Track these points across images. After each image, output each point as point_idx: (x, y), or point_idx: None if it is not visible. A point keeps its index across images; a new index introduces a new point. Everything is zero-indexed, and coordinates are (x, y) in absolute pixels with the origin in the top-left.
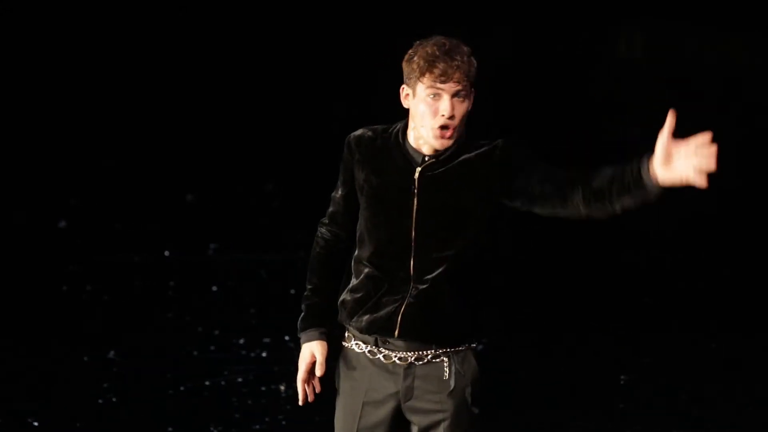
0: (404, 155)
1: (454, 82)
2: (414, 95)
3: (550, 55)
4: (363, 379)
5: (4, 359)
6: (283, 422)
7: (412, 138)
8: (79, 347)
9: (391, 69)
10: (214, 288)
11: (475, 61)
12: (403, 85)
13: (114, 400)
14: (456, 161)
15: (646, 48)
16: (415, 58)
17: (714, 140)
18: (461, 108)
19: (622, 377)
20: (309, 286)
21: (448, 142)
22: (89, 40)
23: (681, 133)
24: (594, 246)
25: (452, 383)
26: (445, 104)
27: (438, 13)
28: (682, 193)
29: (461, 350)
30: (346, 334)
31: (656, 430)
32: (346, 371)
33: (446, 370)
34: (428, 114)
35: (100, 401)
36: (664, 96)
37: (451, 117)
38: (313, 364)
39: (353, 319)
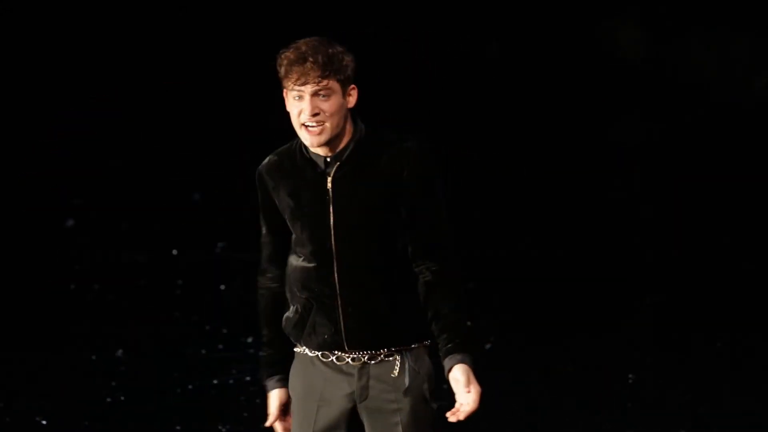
0: (309, 164)
1: (312, 82)
2: (286, 100)
3: (549, 55)
4: (317, 381)
5: (11, 358)
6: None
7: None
8: (87, 346)
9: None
10: (222, 287)
11: (346, 58)
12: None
13: (122, 398)
14: (364, 163)
15: (649, 48)
16: (278, 65)
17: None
18: (326, 105)
19: (630, 376)
20: (263, 339)
21: (317, 138)
22: (94, 39)
23: (688, 135)
24: (602, 243)
25: (407, 381)
26: (305, 104)
27: (431, 10)
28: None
29: (414, 348)
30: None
31: (664, 430)
32: (300, 374)
33: (398, 367)
34: (294, 115)
35: (108, 400)
36: (668, 97)
37: (315, 114)
38: (280, 408)
39: (302, 342)
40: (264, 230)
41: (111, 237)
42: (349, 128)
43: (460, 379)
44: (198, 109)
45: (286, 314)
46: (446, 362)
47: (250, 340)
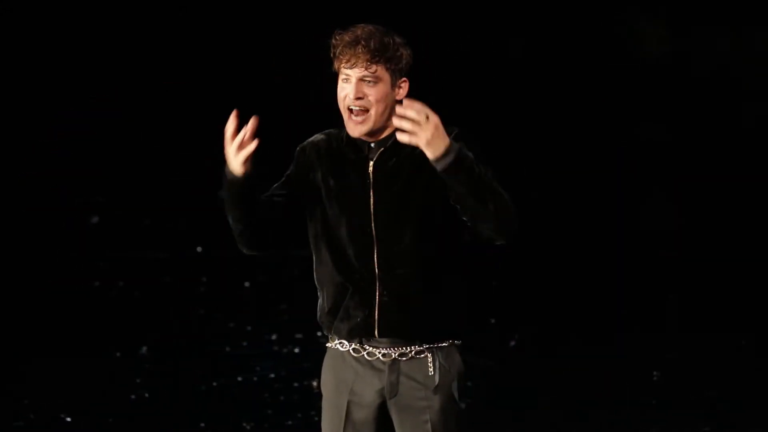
0: (354, 148)
1: (361, 66)
2: (338, 84)
3: (573, 54)
4: (347, 377)
5: (35, 355)
6: (316, 418)
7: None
8: (111, 343)
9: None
10: (246, 284)
11: (402, 50)
12: None
13: (146, 395)
14: (407, 151)
15: (673, 46)
16: (332, 46)
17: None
18: (372, 92)
19: (654, 373)
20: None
21: (359, 128)
22: (115, 38)
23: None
24: (623, 240)
25: (437, 378)
26: (350, 87)
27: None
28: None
29: (444, 346)
30: (329, 336)
31: (688, 427)
32: (331, 370)
33: (431, 365)
34: (340, 98)
35: (132, 397)
36: (692, 95)
37: (359, 98)
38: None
39: (332, 330)
40: (278, 189)
41: (135, 234)
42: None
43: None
44: (224, 107)
45: (319, 303)
46: None
47: (274, 337)
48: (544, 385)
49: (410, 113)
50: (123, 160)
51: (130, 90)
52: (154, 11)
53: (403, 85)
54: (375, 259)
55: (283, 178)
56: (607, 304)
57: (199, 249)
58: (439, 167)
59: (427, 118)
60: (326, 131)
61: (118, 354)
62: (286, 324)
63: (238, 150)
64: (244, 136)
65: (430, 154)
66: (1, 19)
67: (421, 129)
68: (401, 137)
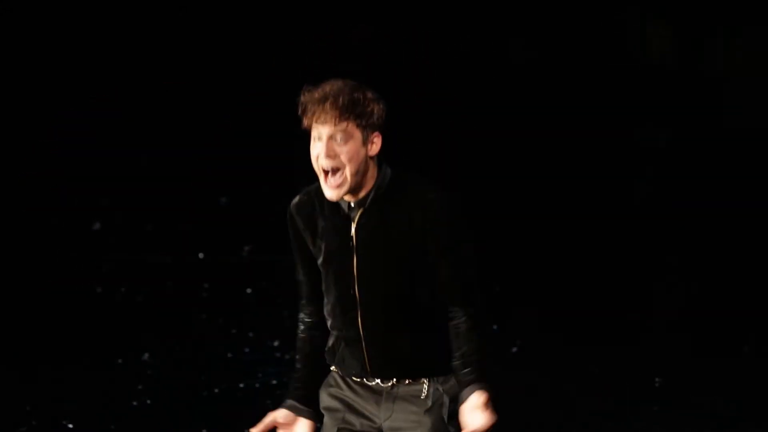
0: (335, 209)
1: (330, 124)
2: (310, 143)
3: (577, 57)
4: (347, 394)
5: (37, 361)
6: (318, 424)
7: None
8: (113, 349)
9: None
10: (249, 290)
11: (373, 105)
12: None
13: (148, 402)
14: (387, 210)
15: (676, 49)
16: (299, 102)
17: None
18: (344, 150)
19: (656, 379)
20: (295, 372)
21: (336, 191)
22: (115, 38)
23: (713, 135)
24: (626, 245)
25: (430, 402)
26: (321, 145)
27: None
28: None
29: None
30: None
31: None
32: (331, 388)
33: (425, 390)
34: (313, 158)
35: (134, 403)
36: (696, 98)
37: (329, 157)
38: (272, 423)
39: (333, 365)
40: (298, 267)
41: (137, 240)
42: (372, 174)
43: (479, 400)
44: (225, 113)
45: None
46: (466, 390)
47: (276, 343)
48: (544, 392)
49: None
50: (125, 164)
51: (125, 95)
52: (154, 11)
53: (375, 140)
54: (359, 318)
55: (294, 253)
56: (609, 310)
57: (201, 255)
58: None
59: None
60: (306, 190)
61: (120, 360)
62: (288, 330)
63: None
64: None
65: None
66: (1, 19)
67: None
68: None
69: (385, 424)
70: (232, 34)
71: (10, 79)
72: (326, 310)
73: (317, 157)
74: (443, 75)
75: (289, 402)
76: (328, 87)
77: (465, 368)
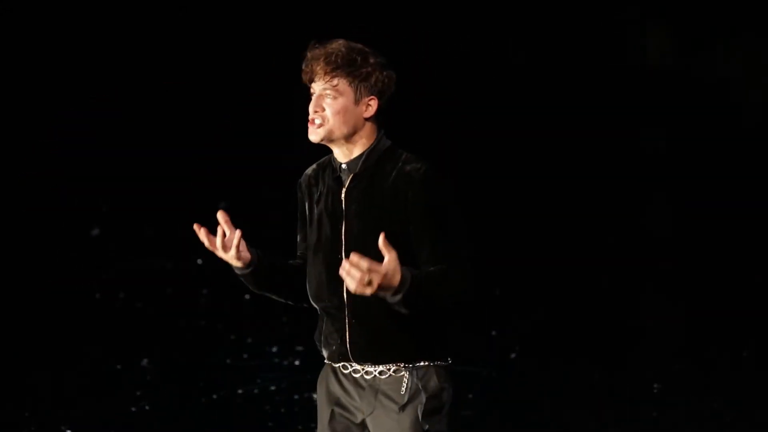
0: (333, 174)
1: (321, 80)
2: None
3: (577, 59)
4: (336, 389)
5: (36, 367)
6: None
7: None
8: (112, 355)
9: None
10: (247, 296)
11: (373, 69)
12: None
13: (147, 408)
14: (375, 178)
15: (677, 53)
16: (303, 59)
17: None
18: (330, 105)
19: (655, 386)
20: None
21: (314, 133)
22: (115, 38)
23: (715, 139)
24: (623, 251)
25: (406, 398)
26: (313, 98)
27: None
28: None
29: (422, 366)
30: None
31: None
32: (324, 381)
33: (404, 384)
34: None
35: (133, 409)
36: (696, 103)
37: (315, 109)
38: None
39: (321, 350)
40: (299, 237)
41: (136, 245)
42: (366, 137)
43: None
44: (225, 117)
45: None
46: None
47: (275, 349)
48: (543, 398)
49: (354, 273)
50: (124, 168)
51: (132, 97)
52: (154, 11)
53: (371, 103)
54: (345, 288)
55: (298, 217)
56: (608, 316)
57: (199, 261)
58: (390, 301)
59: (370, 283)
60: (320, 161)
61: (118, 366)
62: (287, 336)
63: (225, 251)
64: (224, 235)
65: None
66: (1, 19)
67: (364, 288)
68: (348, 284)
69: (368, 419)
70: (232, 34)
71: (10, 79)
72: (309, 285)
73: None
74: (443, 75)
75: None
76: (329, 45)
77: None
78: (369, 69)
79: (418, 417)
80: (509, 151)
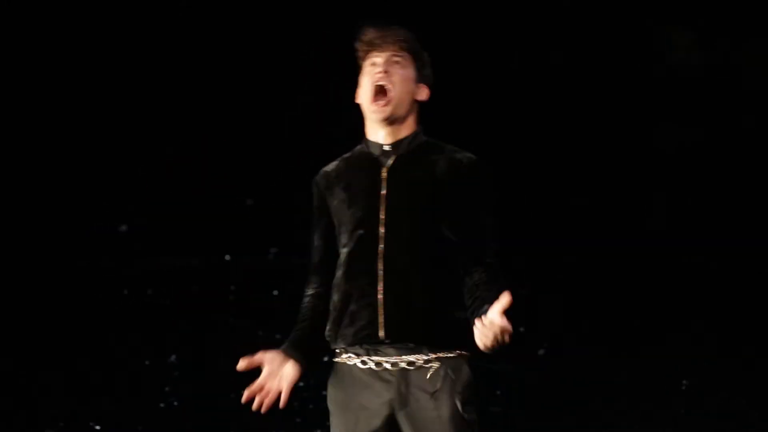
0: (367, 154)
1: (390, 50)
2: (361, 79)
3: (601, 58)
4: (356, 391)
5: (65, 363)
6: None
7: (370, 134)
8: (141, 351)
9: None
10: (275, 292)
11: (429, 61)
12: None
13: (175, 404)
14: (421, 161)
15: (702, 52)
16: (359, 39)
17: None
18: (398, 73)
19: (684, 382)
20: (295, 325)
21: (383, 110)
22: (120, 41)
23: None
24: (652, 248)
25: (444, 389)
26: (379, 64)
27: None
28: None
29: (453, 357)
30: (337, 351)
31: None
32: (339, 385)
33: (439, 375)
34: (367, 82)
35: (161, 405)
36: (722, 102)
37: (384, 74)
38: (259, 361)
39: (339, 338)
40: (315, 237)
41: (164, 242)
42: (413, 120)
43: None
44: (251, 114)
45: (330, 316)
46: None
47: None
48: (571, 395)
49: (495, 334)
50: (151, 167)
51: (152, 99)
52: (156, 11)
53: (424, 89)
54: (380, 260)
55: (313, 220)
56: (634, 312)
57: (227, 257)
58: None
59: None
60: (344, 155)
61: (147, 362)
62: None
63: (275, 394)
64: (264, 390)
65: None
66: (1, 19)
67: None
68: (478, 341)
69: (401, 413)
70: (246, 32)
71: (10, 79)
72: (339, 268)
73: (371, 77)
74: (461, 80)
75: (282, 347)
76: (380, 25)
77: (485, 304)
78: (426, 59)
79: (457, 406)
80: (539, 151)
